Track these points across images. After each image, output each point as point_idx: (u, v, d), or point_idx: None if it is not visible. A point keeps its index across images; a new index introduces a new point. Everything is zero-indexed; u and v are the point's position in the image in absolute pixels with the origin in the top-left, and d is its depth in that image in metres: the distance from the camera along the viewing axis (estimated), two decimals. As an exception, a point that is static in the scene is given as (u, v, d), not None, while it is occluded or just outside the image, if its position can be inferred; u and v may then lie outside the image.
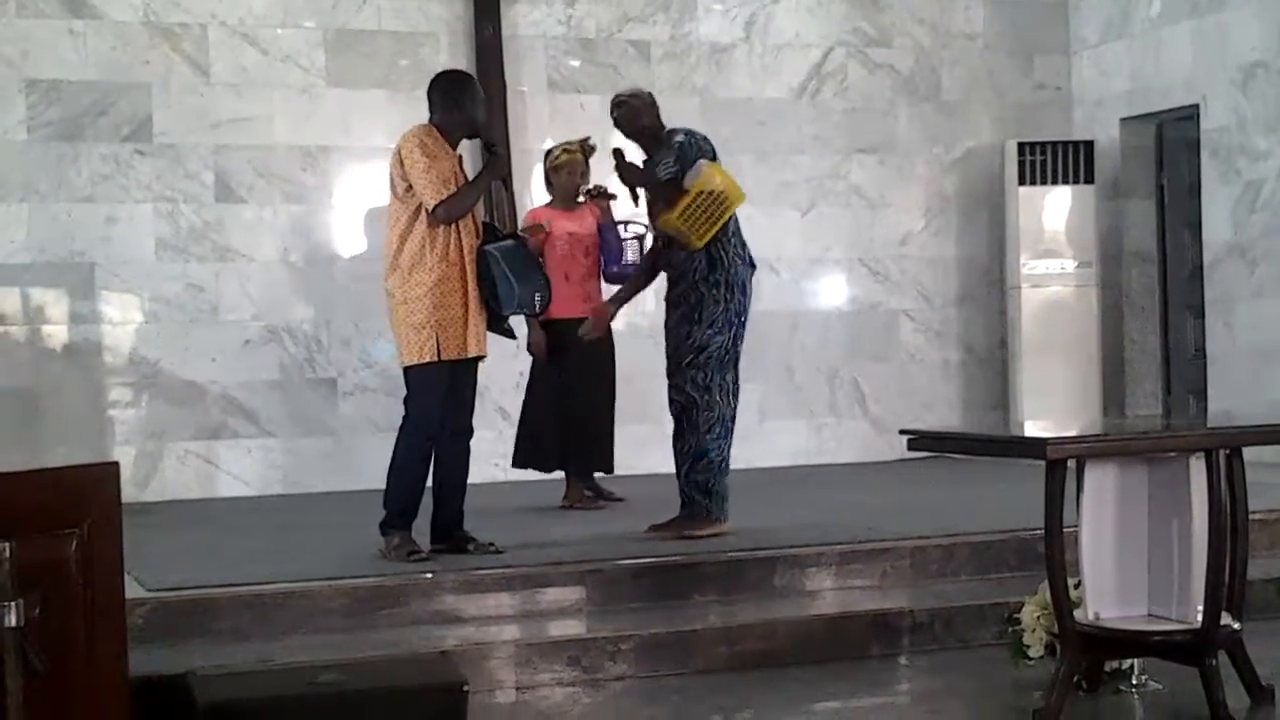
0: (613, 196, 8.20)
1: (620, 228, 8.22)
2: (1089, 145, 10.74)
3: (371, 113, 9.81)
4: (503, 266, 6.55)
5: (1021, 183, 10.71)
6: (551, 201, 8.36)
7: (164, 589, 5.89)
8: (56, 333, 9.23)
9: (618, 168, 7.18)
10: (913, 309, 10.97)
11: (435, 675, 4.98)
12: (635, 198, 7.30)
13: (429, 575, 6.20)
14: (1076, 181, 10.70)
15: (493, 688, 5.55)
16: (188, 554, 6.94)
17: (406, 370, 6.52)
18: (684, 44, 10.49)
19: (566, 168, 8.25)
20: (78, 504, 3.38)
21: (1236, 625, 5.07)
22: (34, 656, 3.07)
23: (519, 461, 8.41)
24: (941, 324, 11.05)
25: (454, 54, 9.93)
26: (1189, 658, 4.95)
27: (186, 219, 9.45)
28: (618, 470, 8.42)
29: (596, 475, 8.44)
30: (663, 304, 7.16)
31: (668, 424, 7.12)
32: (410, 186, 6.42)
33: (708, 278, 6.91)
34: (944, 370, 11.05)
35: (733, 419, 6.99)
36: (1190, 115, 10.35)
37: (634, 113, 7.20)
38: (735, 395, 7.01)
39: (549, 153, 8.45)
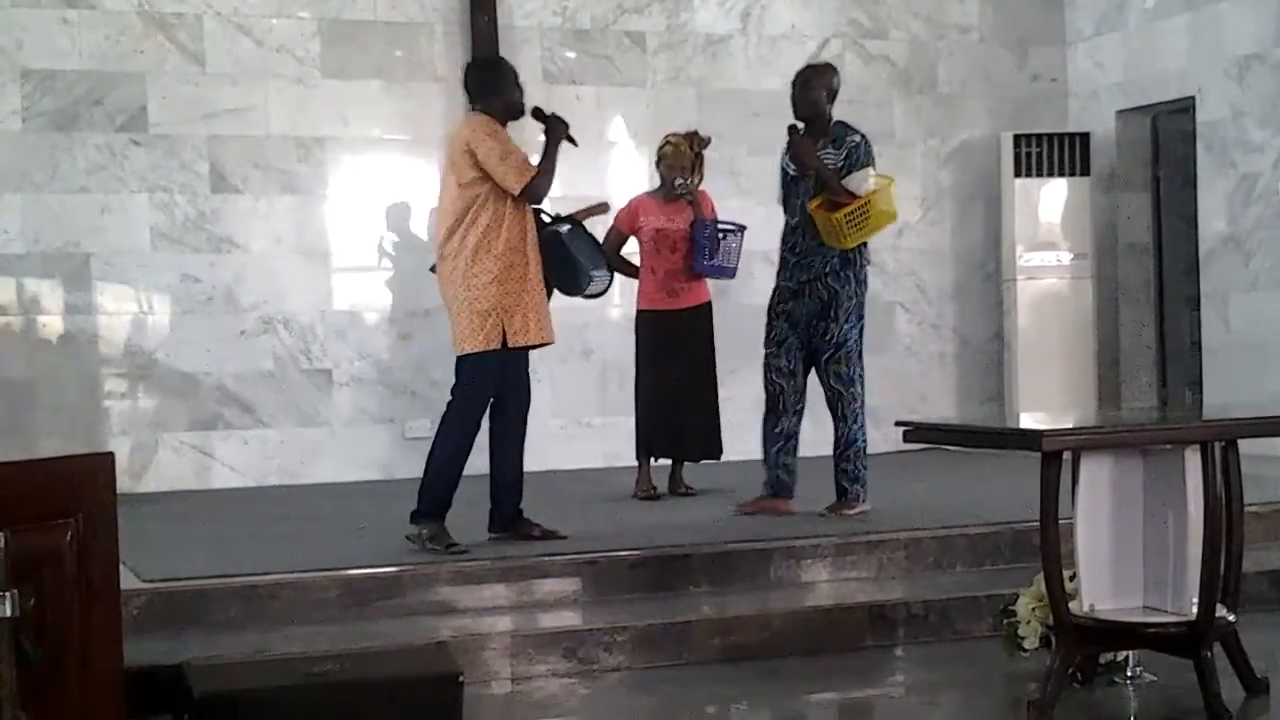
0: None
1: (715, 226, 8.11)
2: (1084, 137, 10.74)
3: (367, 103, 9.81)
4: (570, 249, 6.64)
5: (1017, 175, 10.71)
6: (655, 190, 8.34)
7: (159, 580, 5.89)
8: (51, 323, 9.22)
9: (792, 142, 7.28)
10: (908, 301, 10.97)
11: (431, 666, 4.97)
12: (798, 173, 7.33)
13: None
14: (1072, 174, 10.70)
15: (488, 679, 5.55)
16: (183, 545, 6.93)
17: (461, 358, 6.54)
18: (680, 35, 10.47)
19: (666, 160, 8.20)
20: (72, 494, 3.38)
21: (1231, 617, 5.08)
22: (28, 647, 3.07)
23: (642, 453, 8.29)
24: (937, 316, 11.04)
25: (449, 44, 9.92)
26: (1184, 650, 4.95)
27: (181, 209, 9.43)
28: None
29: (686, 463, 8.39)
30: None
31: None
32: (480, 176, 6.43)
33: (839, 273, 7.21)
34: (939, 362, 11.05)
35: (864, 404, 7.33)
36: (1186, 107, 10.34)
37: (812, 87, 7.29)
38: (864, 381, 7.33)
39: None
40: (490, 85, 6.70)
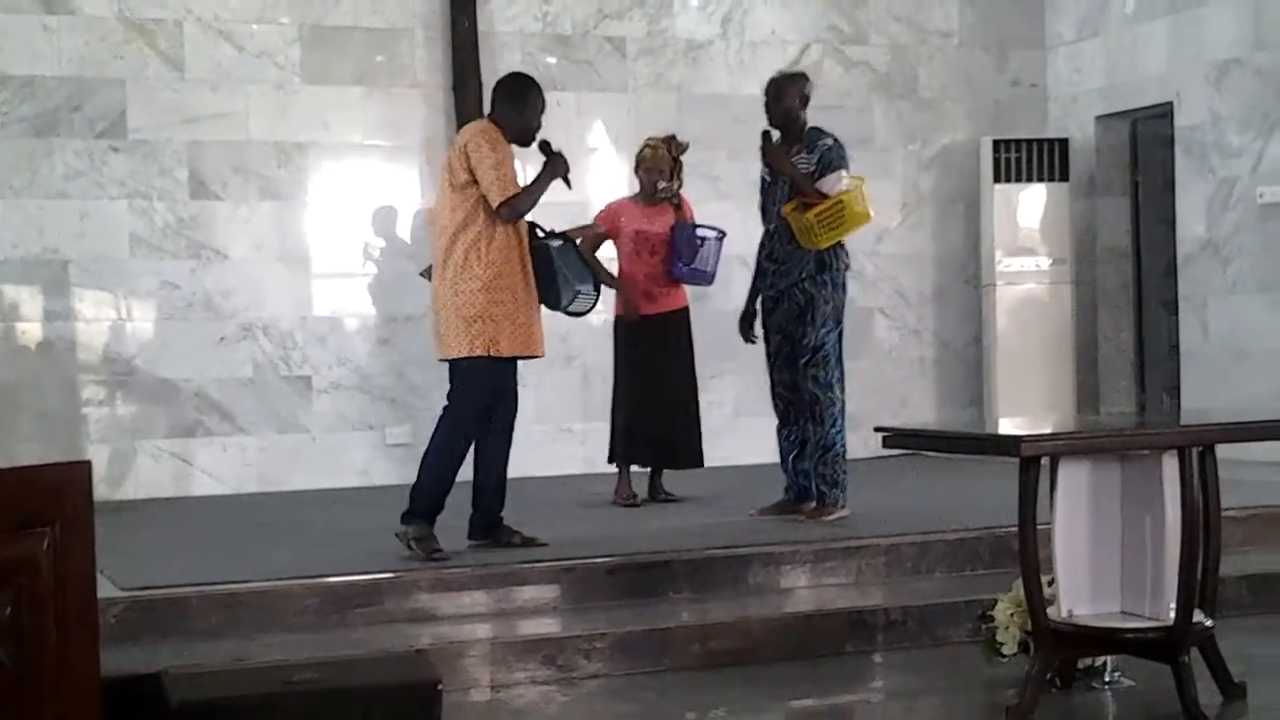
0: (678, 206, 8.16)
1: (694, 231, 8.10)
2: (1064, 143, 10.77)
3: (348, 109, 9.80)
4: (558, 264, 6.62)
5: (997, 180, 10.74)
6: (635, 195, 8.35)
7: (137, 588, 5.87)
8: (30, 330, 9.19)
9: (764, 148, 7.37)
10: (888, 306, 10.98)
11: (410, 674, 4.97)
12: (773, 179, 7.43)
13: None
14: (1051, 179, 10.72)
15: (467, 686, 5.55)
16: (161, 553, 6.92)
17: (452, 363, 6.53)
18: (660, 40, 10.48)
19: (645, 164, 8.19)
20: (49, 502, 3.36)
21: (1209, 622, 5.09)
22: (3, 655, 3.06)
23: (614, 458, 8.29)
24: (917, 321, 11.06)
25: (430, 50, 9.92)
26: (1162, 655, 4.97)
27: (161, 216, 9.41)
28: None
29: (667, 471, 8.38)
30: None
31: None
32: (472, 180, 6.43)
33: (815, 278, 7.29)
34: (919, 367, 11.07)
35: (844, 408, 7.38)
36: (1165, 113, 10.38)
37: (784, 96, 7.38)
38: (844, 385, 7.38)
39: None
40: (513, 101, 6.67)
